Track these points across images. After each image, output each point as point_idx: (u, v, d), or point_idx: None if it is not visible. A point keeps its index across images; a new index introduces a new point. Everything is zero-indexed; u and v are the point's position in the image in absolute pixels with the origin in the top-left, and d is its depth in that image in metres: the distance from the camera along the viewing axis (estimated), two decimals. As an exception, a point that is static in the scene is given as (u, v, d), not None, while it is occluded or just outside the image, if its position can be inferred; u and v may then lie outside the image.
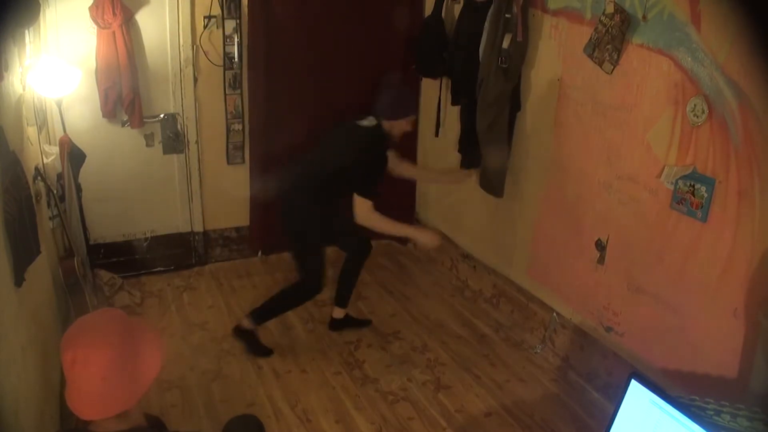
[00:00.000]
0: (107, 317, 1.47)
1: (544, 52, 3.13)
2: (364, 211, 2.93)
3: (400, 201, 4.47)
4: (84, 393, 1.34)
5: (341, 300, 3.43)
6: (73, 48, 3.34)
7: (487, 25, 3.21)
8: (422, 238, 3.15)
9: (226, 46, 3.75)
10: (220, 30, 3.71)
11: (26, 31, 2.66)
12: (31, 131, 2.83)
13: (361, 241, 3.31)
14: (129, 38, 3.41)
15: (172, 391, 2.89)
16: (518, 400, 2.95)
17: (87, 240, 3.38)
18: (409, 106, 3.10)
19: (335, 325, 3.45)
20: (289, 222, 3.13)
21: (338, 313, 3.45)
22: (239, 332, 3.17)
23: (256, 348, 3.18)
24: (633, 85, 2.64)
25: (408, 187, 4.48)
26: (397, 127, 3.04)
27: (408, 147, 4.38)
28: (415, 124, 3.09)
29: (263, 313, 3.17)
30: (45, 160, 2.96)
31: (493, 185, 3.43)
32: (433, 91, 4.02)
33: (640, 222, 2.70)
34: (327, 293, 3.82)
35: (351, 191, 2.95)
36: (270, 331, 3.41)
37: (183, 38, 3.64)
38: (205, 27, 3.67)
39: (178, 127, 3.80)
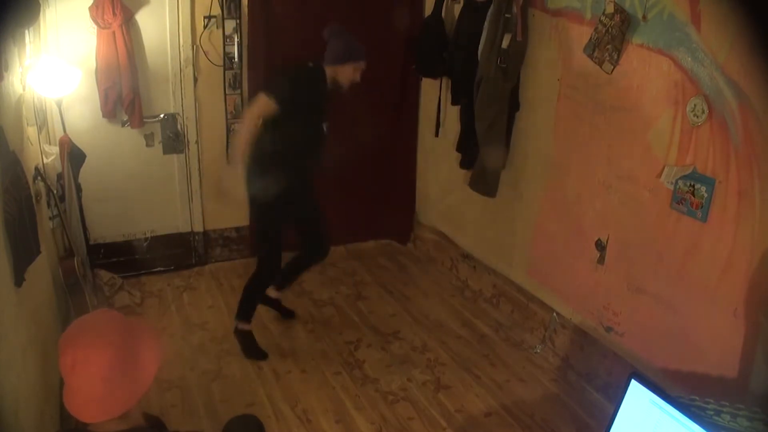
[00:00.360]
0: (105, 318, 1.46)
1: (544, 52, 3.13)
2: (255, 107, 2.83)
3: (400, 201, 4.48)
4: (85, 395, 1.33)
5: (281, 282, 3.40)
6: (73, 48, 3.34)
7: (486, 24, 3.21)
8: (227, 180, 3.00)
9: (226, 46, 3.75)
10: (220, 30, 3.71)
11: (26, 31, 2.66)
12: (31, 131, 2.83)
13: (320, 240, 3.30)
14: (129, 38, 3.41)
15: (172, 391, 2.89)
16: (518, 400, 2.95)
17: (87, 240, 3.38)
18: (355, 51, 2.97)
19: (264, 299, 3.39)
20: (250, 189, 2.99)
21: (272, 292, 3.41)
22: (238, 333, 3.18)
23: (252, 350, 3.17)
24: (633, 85, 2.64)
25: (408, 187, 4.48)
26: (342, 73, 2.96)
27: (408, 147, 4.39)
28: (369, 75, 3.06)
29: (242, 310, 3.17)
30: (45, 160, 2.96)
31: (488, 185, 3.43)
32: (433, 91, 4.02)
33: (640, 222, 2.70)
34: (326, 293, 3.83)
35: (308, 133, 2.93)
36: (270, 332, 3.41)
37: (183, 38, 3.64)
38: (205, 27, 3.67)
39: (178, 127, 3.80)
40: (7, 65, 2.28)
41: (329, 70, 2.96)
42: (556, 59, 3.05)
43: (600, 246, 2.93)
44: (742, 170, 2.24)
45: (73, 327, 1.41)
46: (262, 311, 3.60)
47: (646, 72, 2.57)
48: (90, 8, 3.28)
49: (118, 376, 1.34)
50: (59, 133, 3.20)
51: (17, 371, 1.98)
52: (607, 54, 2.68)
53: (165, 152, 3.83)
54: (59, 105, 3.12)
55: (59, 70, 2.84)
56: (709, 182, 2.35)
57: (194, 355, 3.17)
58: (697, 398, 1.88)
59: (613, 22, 2.61)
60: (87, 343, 1.34)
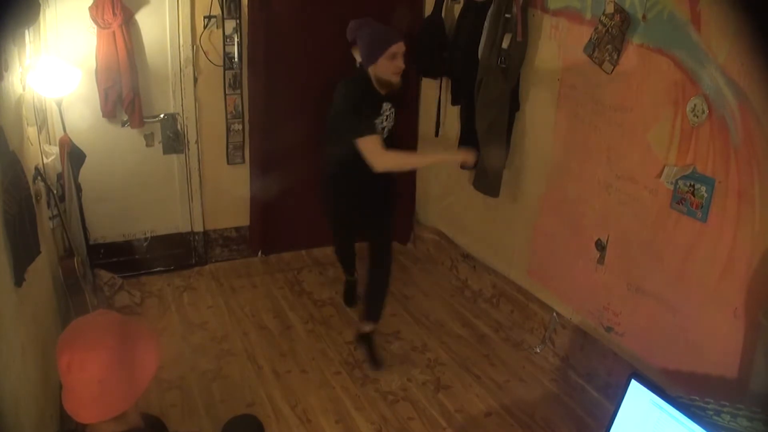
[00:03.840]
0: (102, 320, 1.45)
1: (544, 52, 3.13)
2: (373, 153, 2.65)
3: (400, 201, 4.47)
4: (81, 396, 1.33)
5: (362, 312, 3.28)
6: (73, 48, 3.34)
7: (486, 25, 3.22)
8: (456, 158, 2.83)
9: (226, 46, 3.75)
10: (220, 30, 3.71)
11: (26, 31, 2.66)
12: (31, 131, 2.82)
13: (374, 254, 3.12)
14: (129, 38, 3.40)
15: (172, 391, 2.89)
16: (518, 400, 2.95)
17: (87, 240, 3.38)
18: (383, 40, 2.72)
19: (358, 338, 3.26)
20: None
21: (365, 327, 3.24)
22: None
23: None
24: (633, 85, 2.64)
25: (408, 187, 4.48)
26: (381, 68, 2.75)
27: (408, 147, 4.39)
28: (406, 57, 2.78)
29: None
30: (45, 160, 2.96)
31: (491, 185, 3.43)
32: (433, 91, 4.02)
33: (640, 222, 2.70)
34: (326, 293, 3.83)
35: (350, 144, 2.72)
36: (269, 331, 3.41)
37: (183, 38, 3.64)
38: (205, 27, 3.67)
39: (178, 127, 3.80)
40: (7, 65, 2.28)
41: (371, 72, 2.80)
42: (556, 59, 3.05)
43: (600, 246, 2.93)
44: (742, 170, 2.24)
45: (70, 329, 1.41)
46: (262, 310, 3.61)
47: (646, 72, 2.57)
48: (90, 8, 3.28)
49: (113, 378, 1.33)
50: (59, 133, 3.19)
51: (17, 371, 1.98)
52: (607, 54, 2.68)
53: (165, 152, 3.83)
54: (59, 105, 3.12)
55: (59, 70, 2.83)
56: (709, 182, 2.35)
57: (194, 355, 3.17)
58: (697, 398, 1.88)
59: (613, 22, 2.61)
60: (83, 346, 1.34)
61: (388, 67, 2.74)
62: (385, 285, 3.14)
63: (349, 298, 3.72)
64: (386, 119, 2.93)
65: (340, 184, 3.00)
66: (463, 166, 2.92)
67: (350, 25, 2.82)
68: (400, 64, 2.74)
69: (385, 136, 2.93)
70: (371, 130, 2.69)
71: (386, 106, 2.90)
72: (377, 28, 2.77)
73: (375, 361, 3.13)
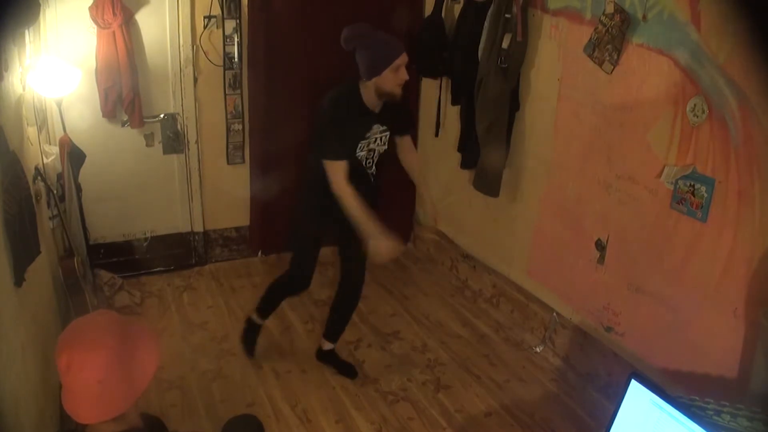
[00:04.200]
0: (102, 319, 1.45)
1: (544, 52, 3.13)
2: (333, 176, 2.62)
3: (400, 201, 4.48)
4: (80, 397, 1.33)
5: (326, 331, 3.12)
6: (73, 48, 3.34)
7: (486, 25, 3.22)
8: (377, 246, 2.60)
9: (226, 46, 3.75)
10: (220, 30, 3.71)
11: (26, 31, 2.66)
12: (31, 131, 2.83)
13: (347, 275, 2.99)
14: (129, 38, 3.41)
15: (172, 391, 2.89)
16: (518, 400, 2.95)
17: (87, 240, 3.38)
18: (387, 53, 2.60)
19: (320, 355, 3.17)
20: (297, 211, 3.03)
21: (325, 344, 3.13)
22: (247, 320, 3.17)
23: (247, 341, 3.16)
24: (633, 85, 2.64)
25: (408, 187, 4.47)
26: (385, 80, 2.61)
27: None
28: (409, 68, 2.68)
29: (260, 304, 3.13)
30: (45, 160, 2.96)
31: (491, 185, 3.43)
32: (433, 91, 4.02)
33: (640, 222, 2.70)
34: (326, 293, 3.83)
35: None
36: (270, 331, 3.41)
37: (183, 38, 3.64)
38: (205, 27, 3.67)
39: (178, 127, 3.80)
40: (7, 65, 2.28)
41: (370, 85, 2.64)
42: (556, 59, 3.05)
43: (600, 246, 2.93)
44: (742, 170, 2.24)
45: (70, 328, 1.41)
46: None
47: (646, 72, 2.57)
48: (90, 8, 3.28)
49: (113, 379, 1.33)
50: (59, 133, 3.20)
51: (17, 371, 1.98)
52: (607, 54, 2.68)
53: (165, 152, 3.83)
54: (59, 105, 3.12)
55: (59, 70, 2.83)
56: (709, 182, 2.35)
57: (194, 355, 3.17)
58: (697, 398, 1.88)
59: (613, 22, 2.61)
60: (82, 346, 1.33)
61: (392, 80, 2.62)
62: (351, 306, 3.04)
63: (252, 343, 3.19)
64: (375, 142, 2.77)
65: (325, 196, 2.80)
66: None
67: (345, 34, 2.64)
68: (404, 75, 2.64)
69: (375, 159, 2.83)
70: (339, 155, 2.62)
71: (378, 128, 2.76)
72: (379, 39, 2.64)
73: (346, 372, 3.07)
